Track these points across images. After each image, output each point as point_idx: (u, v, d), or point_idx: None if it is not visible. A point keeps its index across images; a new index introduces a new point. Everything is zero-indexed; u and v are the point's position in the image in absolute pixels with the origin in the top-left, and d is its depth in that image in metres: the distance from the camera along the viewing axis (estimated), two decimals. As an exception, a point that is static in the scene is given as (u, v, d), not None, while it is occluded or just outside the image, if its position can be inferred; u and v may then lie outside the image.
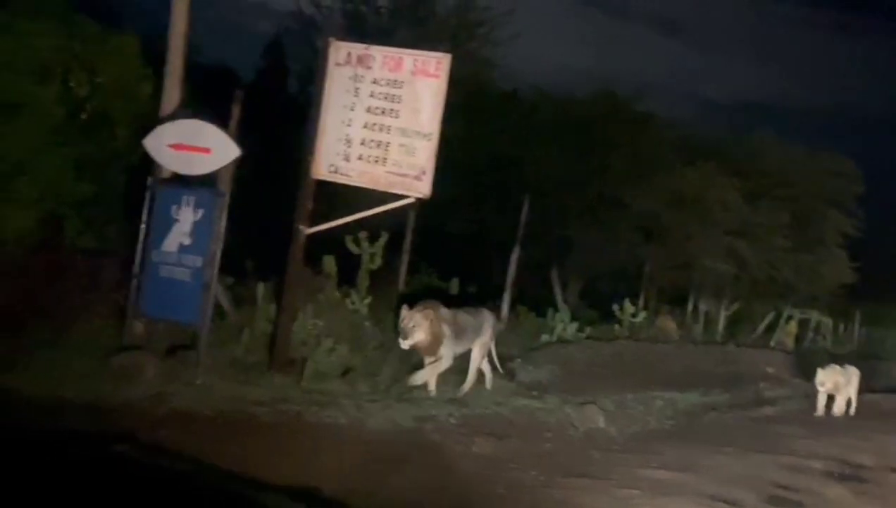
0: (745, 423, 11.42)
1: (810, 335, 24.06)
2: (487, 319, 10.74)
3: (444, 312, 9.90)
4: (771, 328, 22.06)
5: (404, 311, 9.50)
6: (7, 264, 9.26)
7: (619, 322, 15.91)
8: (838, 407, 12.83)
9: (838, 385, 12.82)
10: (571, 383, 11.46)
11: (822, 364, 13.05)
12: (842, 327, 26.19)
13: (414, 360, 10.10)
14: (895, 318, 28.37)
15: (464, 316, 10.28)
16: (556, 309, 15.29)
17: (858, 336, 27.11)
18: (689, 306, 20.03)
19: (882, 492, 8.40)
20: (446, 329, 9.79)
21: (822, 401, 12.80)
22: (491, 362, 10.82)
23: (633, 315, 15.99)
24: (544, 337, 13.82)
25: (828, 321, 24.70)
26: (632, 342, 15.03)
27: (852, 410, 13.01)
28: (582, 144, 16.87)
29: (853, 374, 13.29)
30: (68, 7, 10.54)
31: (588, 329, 14.83)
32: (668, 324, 17.93)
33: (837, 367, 13.00)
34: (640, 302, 16.90)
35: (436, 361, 9.80)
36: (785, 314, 22.47)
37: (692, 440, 9.93)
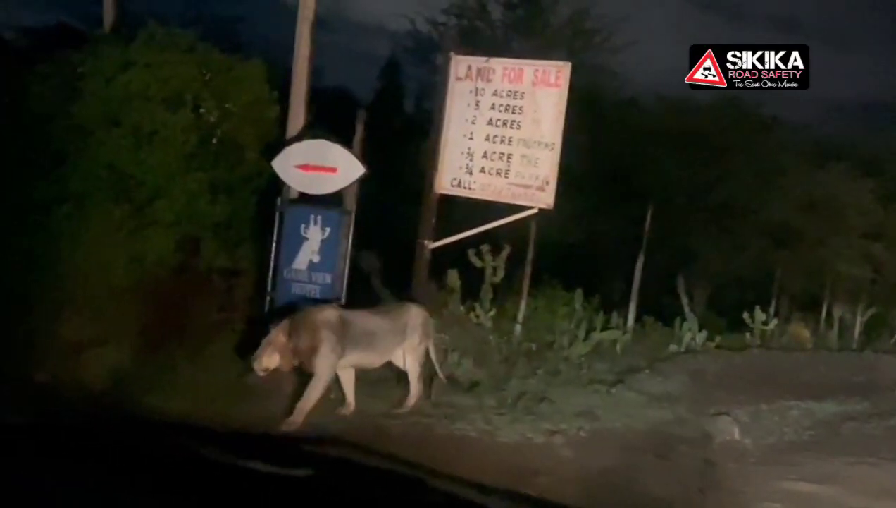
0: (887, 432, 10.90)
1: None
2: (414, 317, 8.87)
3: (328, 315, 8.20)
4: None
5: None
6: (148, 286, 9.64)
7: (750, 331, 15.46)
8: None
9: None
10: (703, 393, 11.16)
11: None
12: None
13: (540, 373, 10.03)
14: None
15: (366, 318, 8.48)
16: (683, 318, 14.98)
17: None
18: (823, 313, 19.35)
19: None
20: (327, 334, 8.05)
21: None
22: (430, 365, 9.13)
23: (764, 323, 15.51)
24: (672, 347, 13.54)
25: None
26: (764, 351, 14.55)
27: None
28: (705, 151, 16.54)
29: None
30: (197, 37, 10.92)
31: (717, 338, 14.46)
32: (801, 331, 17.32)
33: None
34: (771, 309, 16.40)
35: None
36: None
37: (832, 451, 9.53)
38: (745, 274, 17.68)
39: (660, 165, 15.92)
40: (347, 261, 9.20)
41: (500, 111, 9.12)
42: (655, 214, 14.92)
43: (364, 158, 9.32)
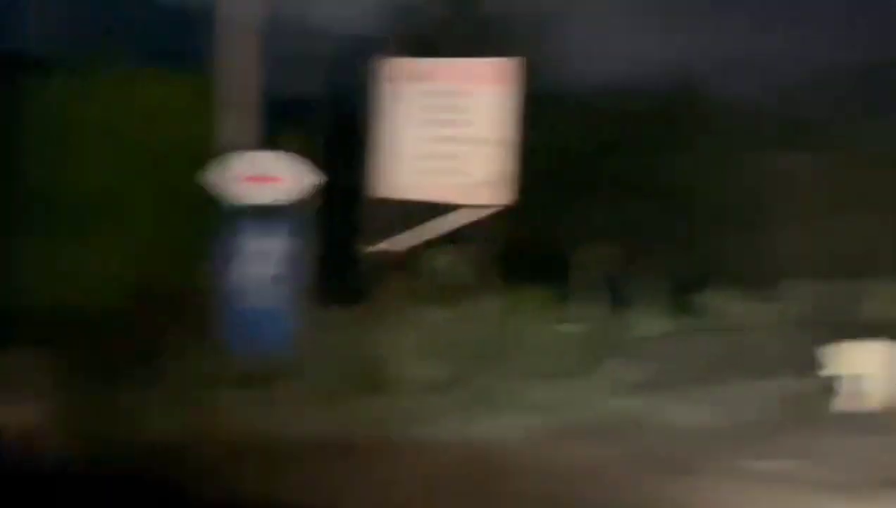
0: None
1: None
2: None
3: None
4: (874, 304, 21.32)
5: None
6: (104, 312, 9.50)
7: (709, 314, 15.58)
8: (865, 398, 10.13)
9: (864, 367, 10.14)
10: (672, 378, 11.15)
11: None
12: None
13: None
14: None
15: None
16: (646, 304, 15.04)
17: None
18: (789, 290, 19.49)
19: None
20: None
21: (851, 389, 10.06)
22: None
23: (723, 306, 15.65)
24: (636, 334, 13.58)
25: None
26: (733, 332, 14.65)
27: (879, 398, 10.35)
28: (660, 139, 16.61)
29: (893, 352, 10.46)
30: (137, 53, 10.83)
31: (678, 323, 14.55)
32: (755, 311, 17.43)
33: (877, 343, 10.33)
34: (730, 292, 16.48)
35: None
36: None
37: (802, 427, 9.43)
38: (713, 257, 17.78)
39: (622, 155, 15.96)
40: (303, 271, 9.10)
41: (444, 111, 9.05)
42: (619, 203, 14.94)
43: (311, 165, 9.23)
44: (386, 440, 7.90)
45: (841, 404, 10.11)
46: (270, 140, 9.57)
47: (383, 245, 9.39)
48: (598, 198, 14.82)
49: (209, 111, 10.63)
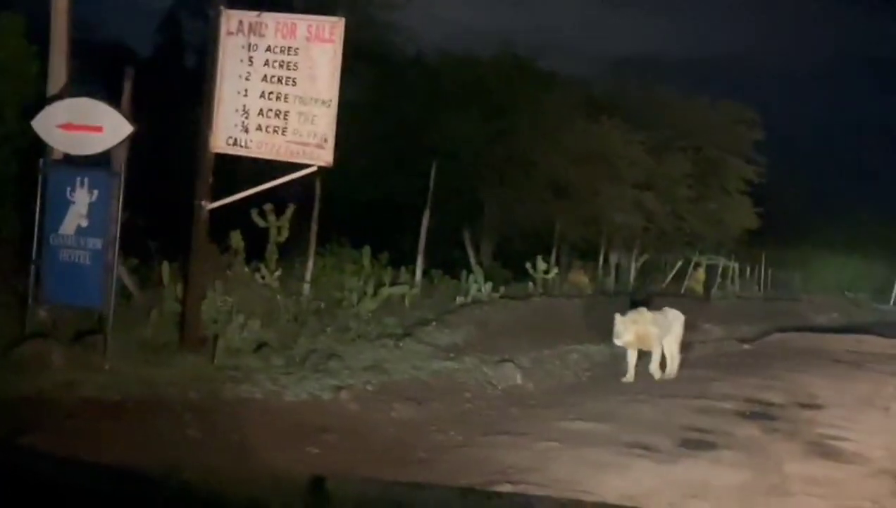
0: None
1: (718, 280, 24.73)
2: None
3: None
4: (680, 276, 22.61)
5: None
6: None
7: (533, 280, 16.05)
8: (654, 367, 10.78)
9: (647, 337, 10.66)
10: (488, 342, 11.54)
11: (638, 308, 11.09)
12: (748, 271, 27.01)
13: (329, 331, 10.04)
14: (798, 260, 29.51)
15: None
16: (469, 271, 15.34)
17: (765, 279, 28.04)
18: (601, 260, 20.35)
19: (792, 428, 8.69)
20: None
21: (631, 361, 10.66)
22: None
23: (546, 272, 16.14)
24: (459, 299, 13.85)
25: (734, 266, 25.45)
26: (546, 299, 15.19)
27: (674, 368, 11.14)
28: (488, 106, 16.90)
29: (674, 320, 11.20)
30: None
31: (503, 289, 14.92)
32: (580, 279, 18.17)
33: (648, 313, 10.96)
34: (553, 259, 17.06)
35: None
36: (693, 262, 23.04)
37: (608, 391, 10.13)
38: (528, 226, 18.31)
39: (444, 120, 16.13)
40: (119, 225, 8.74)
41: (274, 67, 8.84)
42: (442, 169, 15.11)
43: (133, 116, 8.86)
44: (199, 400, 7.76)
45: (650, 370, 10.76)
46: (91, 88, 9.11)
47: (212, 201, 9.10)
48: (428, 163, 14.99)
49: (28, 55, 10.04)
